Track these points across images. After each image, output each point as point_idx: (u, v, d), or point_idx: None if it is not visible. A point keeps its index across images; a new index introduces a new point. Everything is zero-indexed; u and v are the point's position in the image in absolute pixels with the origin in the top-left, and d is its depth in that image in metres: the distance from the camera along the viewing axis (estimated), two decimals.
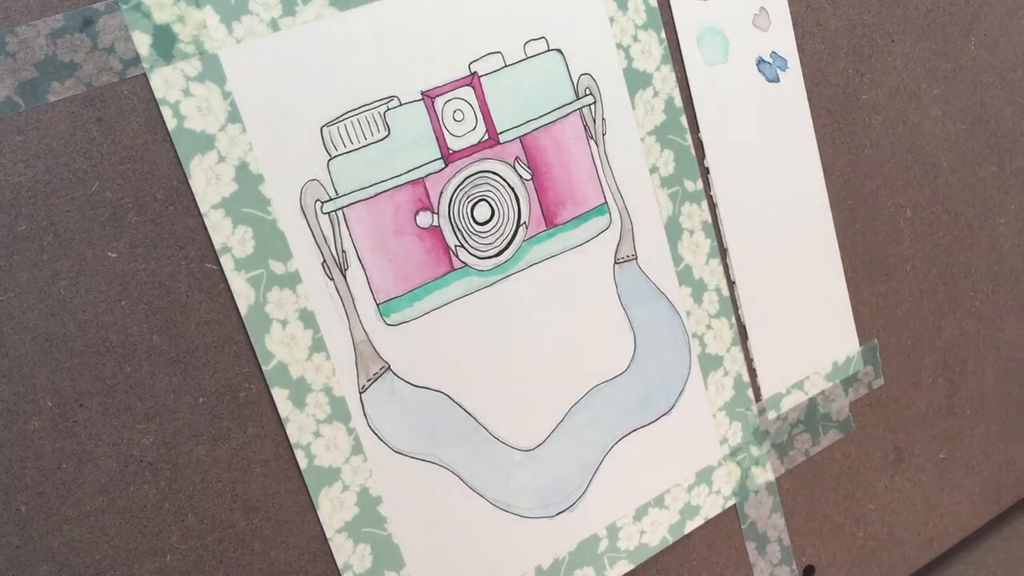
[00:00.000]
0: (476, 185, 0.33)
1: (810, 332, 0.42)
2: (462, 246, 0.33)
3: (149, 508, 0.29)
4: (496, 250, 0.34)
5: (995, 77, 0.46)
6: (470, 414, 0.34)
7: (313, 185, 0.31)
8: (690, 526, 0.39)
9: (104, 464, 0.29)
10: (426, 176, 0.32)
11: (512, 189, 0.34)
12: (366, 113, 0.31)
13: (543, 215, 0.35)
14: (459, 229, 0.33)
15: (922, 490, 0.46)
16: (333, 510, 0.32)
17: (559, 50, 0.34)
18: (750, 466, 0.40)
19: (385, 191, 0.32)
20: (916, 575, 0.47)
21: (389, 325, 0.32)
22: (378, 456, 0.32)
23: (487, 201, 0.33)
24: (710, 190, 0.38)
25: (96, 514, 0.29)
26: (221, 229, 0.29)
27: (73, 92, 0.27)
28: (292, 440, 0.31)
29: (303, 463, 0.31)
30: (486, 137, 0.33)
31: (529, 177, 0.34)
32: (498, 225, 0.34)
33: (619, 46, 0.35)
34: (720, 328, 0.39)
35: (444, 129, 0.32)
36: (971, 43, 0.45)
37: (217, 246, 0.29)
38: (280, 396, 0.31)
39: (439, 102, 0.32)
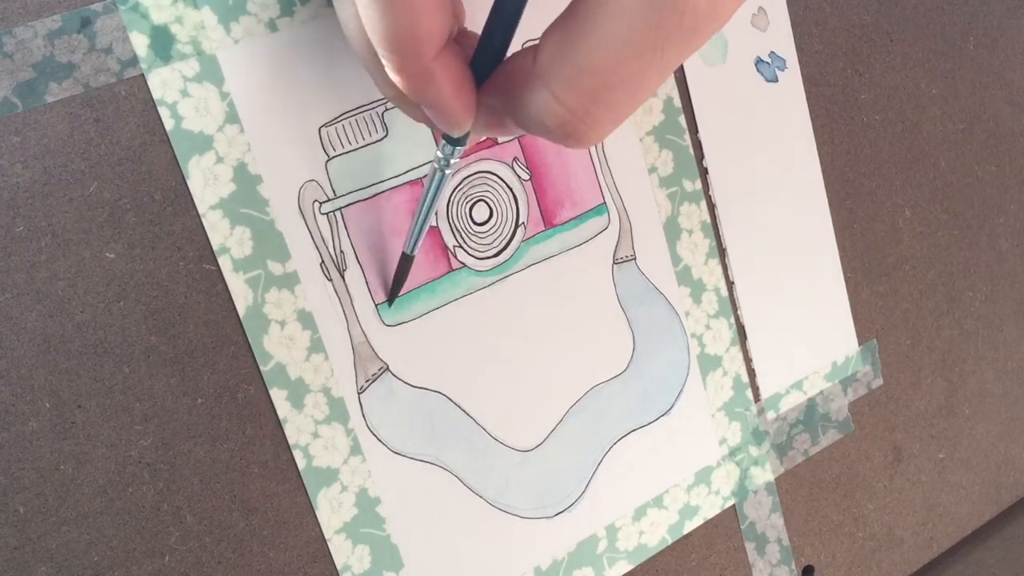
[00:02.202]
0: (474, 185, 0.33)
1: (809, 332, 0.41)
2: (460, 246, 0.33)
3: (147, 509, 0.29)
4: (495, 250, 0.34)
5: (994, 77, 0.46)
6: (468, 415, 0.34)
7: (311, 186, 0.31)
8: (689, 526, 0.39)
9: (102, 465, 0.29)
10: (424, 176, 0.32)
11: (510, 189, 0.34)
12: (364, 113, 0.31)
13: (542, 215, 0.35)
14: (457, 229, 0.33)
15: (921, 490, 0.46)
16: (332, 511, 0.32)
17: None
18: (749, 466, 0.40)
19: (383, 192, 0.32)
20: (916, 575, 0.47)
21: (387, 326, 0.32)
22: (377, 457, 0.32)
23: (485, 201, 0.33)
24: (709, 190, 0.38)
25: (94, 515, 0.29)
26: (219, 230, 0.29)
27: (71, 93, 0.27)
28: (290, 441, 0.31)
29: (301, 464, 0.31)
30: (484, 137, 0.33)
31: (527, 177, 0.34)
32: (496, 225, 0.34)
33: None
34: (719, 328, 0.39)
35: None
36: (970, 43, 0.45)
37: (215, 247, 0.29)
38: (278, 397, 0.31)
39: None
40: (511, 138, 0.33)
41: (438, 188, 0.28)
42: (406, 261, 0.31)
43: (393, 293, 0.32)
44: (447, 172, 0.27)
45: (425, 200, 0.28)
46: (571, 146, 0.22)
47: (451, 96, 0.22)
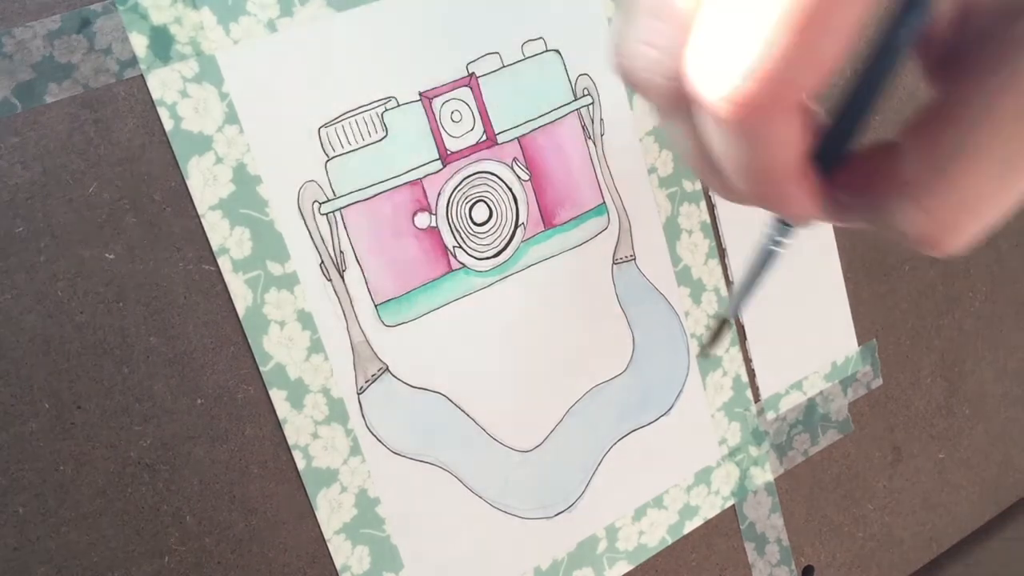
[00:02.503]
0: (474, 186, 0.33)
1: (809, 332, 0.41)
2: (460, 247, 0.33)
3: (147, 510, 0.29)
4: (494, 251, 0.34)
5: None
6: (468, 415, 0.34)
7: (311, 186, 0.31)
8: (689, 527, 0.39)
9: (102, 466, 0.29)
10: (424, 177, 0.32)
11: (510, 190, 0.34)
12: (364, 114, 0.31)
13: (541, 216, 0.35)
14: (457, 230, 0.33)
15: (921, 490, 0.46)
16: (331, 511, 0.32)
17: (557, 51, 0.34)
18: (749, 466, 0.40)
19: (383, 192, 0.32)
20: (916, 575, 0.47)
21: (387, 326, 0.32)
22: (376, 457, 0.32)
23: (485, 202, 0.33)
24: (709, 190, 0.38)
25: (94, 516, 0.29)
26: (219, 230, 0.29)
27: (70, 93, 0.27)
28: (290, 441, 0.31)
29: (301, 464, 0.31)
30: (484, 138, 0.33)
31: (527, 178, 0.34)
32: (496, 226, 0.34)
33: None
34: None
35: (442, 130, 0.32)
36: None
37: (215, 247, 0.29)
38: (278, 397, 0.31)
39: (437, 103, 0.32)
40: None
41: (765, 263, 0.25)
42: (726, 326, 0.30)
43: (710, 347, 0.34)
44: (777, 250, 0.24)
45: (752, 272, 0.26)
46: (927, 252, 0.21)
47: (802, 206, 0.21)
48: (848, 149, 0.22)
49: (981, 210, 0.20)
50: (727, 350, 0.39)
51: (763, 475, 0.41)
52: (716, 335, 0.31)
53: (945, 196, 0.19)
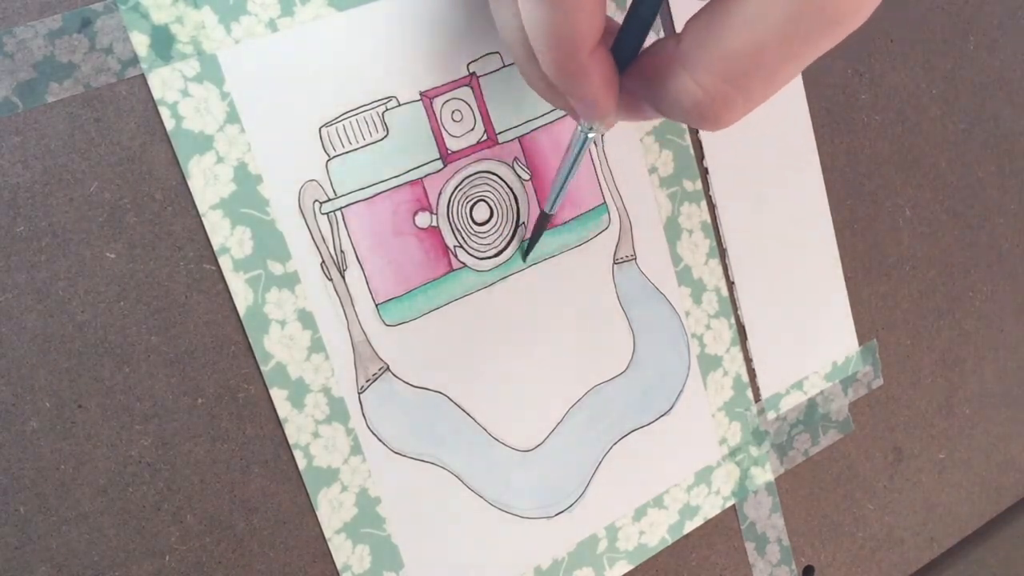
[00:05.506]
0: (475, 185, 0.33)
1: (809, 332, 0.42)
2: (461, 246, 0.33)
3: (148, 509, 0.29)
4: (495, 251, 0.34)
5: (994, 77, 0.46)
6: (469, 415, 0.34)
7: (312, 185, 0.31)
8: (689, 526, 0.39)
9: (103, 465, 0.29)
10: (425, 176, 0.32)
11: (511, 189, 0.34)
12: (365, 113, 0.31)
13: None
14: (458, 229, 0.33)
15: (922, 490, 0.46)
16: (332, 511, 0.32)
17: None
18: (749, 466, 0.40)
19: (384, 192, 0.32)
20: (916, 575, 0.47)
21: (388, 325, 0.32)
22: (377, 457, 0.32)
23: (486, 201, 0.33)
24: (709, 190, 0.38)
25: (95, 515, 0.29)
26: (220, 230, 0.29)
27: (71, 93, 0.27)
28: (291, 441, 0.31)
29: (302, 464, 0.31)
30: (485, 137, 0.33)
31: (528, 177, 0.34)
32: (497, 225, 0.34)
33: None
34: (719, 328, 0.39)
35: (443, 129, 0.32)
36: (970, 43, 0.45)
37: (216, 247, 0.29)
38: (279, 397, 0.31)
39: (438, 102, 0.32)
40: (645, 121, 0.34)
41: (579, 152, 0.29)
42: (544, 219, 0.33)
43: (529, 248, 0.34)
44: (590, 136, 0.28)
45: (566, 163, 0.30)
46: (704, 128, 0.23)
47: (601, 88, 0.24)
48: (640, 43, 0.25)
49: (745, 85, 0.22)
50: (727, 350, 0.39)
51: (764, 475, 0.41)
52: (538, 229, 0.33)
53: (711, 67, 0.22)
